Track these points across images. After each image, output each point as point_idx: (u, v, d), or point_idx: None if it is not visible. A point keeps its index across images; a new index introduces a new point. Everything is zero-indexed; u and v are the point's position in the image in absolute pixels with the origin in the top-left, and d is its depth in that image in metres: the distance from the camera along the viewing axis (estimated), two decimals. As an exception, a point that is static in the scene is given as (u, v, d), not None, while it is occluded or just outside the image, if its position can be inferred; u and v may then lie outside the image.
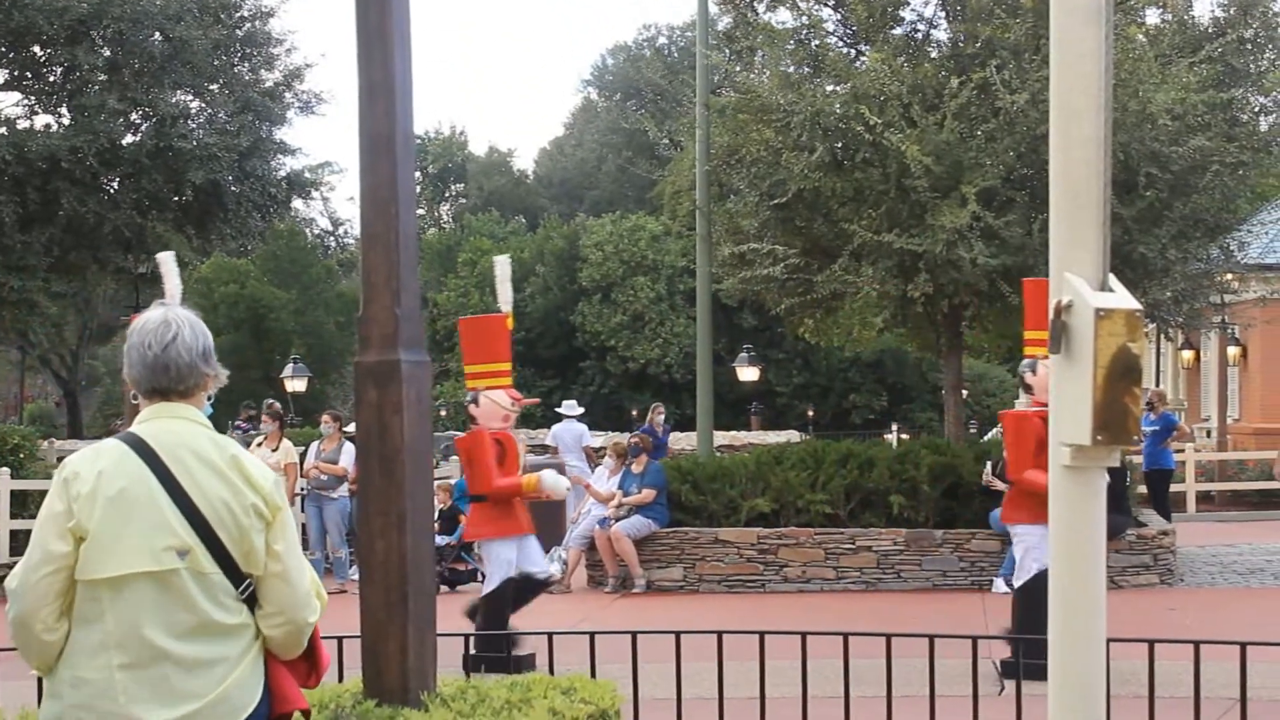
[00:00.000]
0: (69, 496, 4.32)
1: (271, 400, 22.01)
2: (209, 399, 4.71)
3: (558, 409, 25.95)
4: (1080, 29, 3.83)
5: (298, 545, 4.55)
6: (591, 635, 7.97)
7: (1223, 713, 8.88)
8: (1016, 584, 12.45)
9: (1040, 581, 12.20)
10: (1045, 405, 12.24)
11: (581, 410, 26.14)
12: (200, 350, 4.53)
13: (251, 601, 4.42)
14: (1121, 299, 3.78)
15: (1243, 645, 7.55)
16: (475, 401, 13.28)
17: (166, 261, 13.49)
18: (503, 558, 13.19)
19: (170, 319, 4.52)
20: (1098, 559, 3.95)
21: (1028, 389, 12.81)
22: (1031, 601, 12.22)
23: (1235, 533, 24.55)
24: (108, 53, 35.70)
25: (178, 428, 4.46)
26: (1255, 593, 17.76)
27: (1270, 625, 13.90)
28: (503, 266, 13.93)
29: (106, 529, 4.28)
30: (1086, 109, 3.82)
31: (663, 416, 26.08)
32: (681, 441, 31.03)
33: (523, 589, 13.33)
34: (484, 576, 19.19)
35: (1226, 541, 22.84)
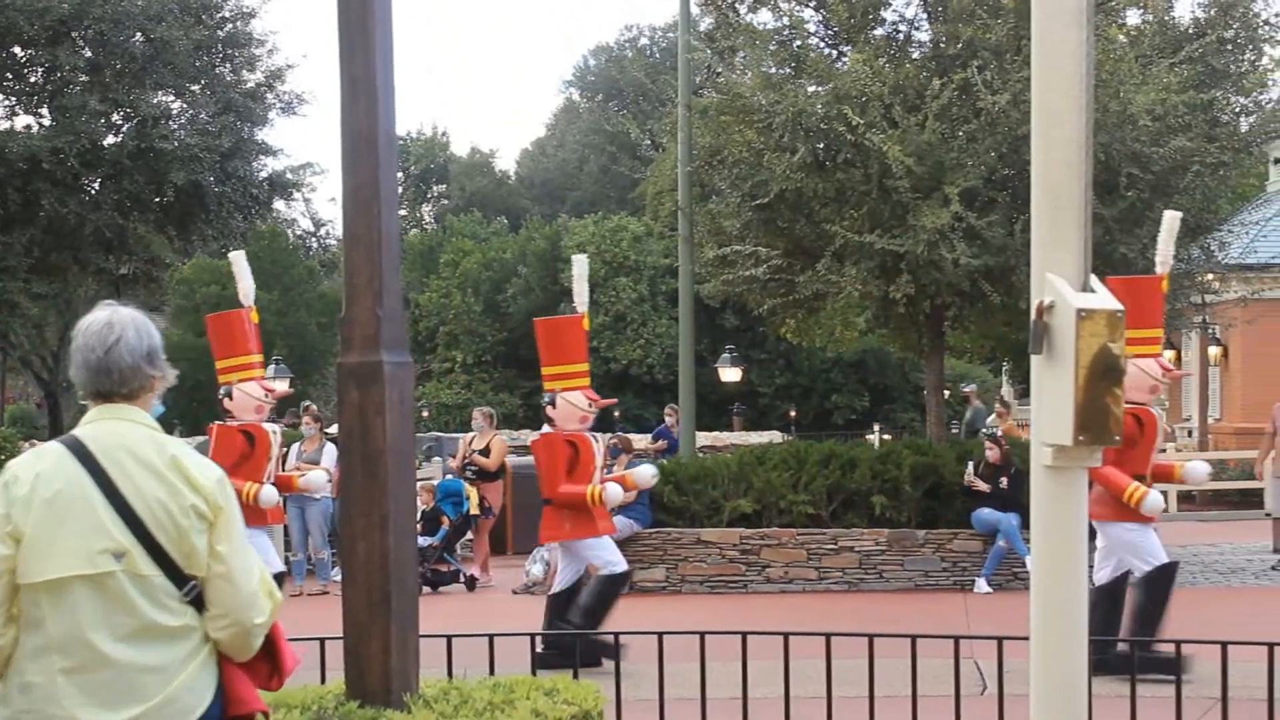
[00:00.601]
0: (8, 500, 4.31)
1: (309, 403, 21.91)
2: (158, 399, 4.67)
3: (538, 408, 25.94)
4: (1061, 31, 3.84)
5: (244, 546, 4.48)
6: (579, 635, 7.97)
7: (1204, 711, 8.91)
8: (1097, 582, 12.38)
9: (1123, 580, 12.28)
10: (1136, 403, 12.26)
11: None
12: (144, 352, 4.49)
13: (198, 603, 4.38)
14: (1103, 299, 3.80)
15: (1224, 645, 7.57)
16: (552, 403, 13.26)
17: (239, 261, 13.58)
18: (580, 558, 13.24)
19: (114, 320, 4.48)
20: (1079, 558, 3.96)
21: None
22: (1111, 600, 12.27)
23: (1217, 532, 24.62)
24: (89, 53, 35.60)
25: (119, 429, 4.41)
26: (1236, 592, 17.82)
27: (1252, 624, 13.94)
28: (580, 265, 13.82)
29: (42, 532, 4.27)
30: (1067, 110, 3.83)
31: (674, 418, 26.13)
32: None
33: (605, 588, 13.28)
34: (466, 577, 19.27)
35: (1208, 541, 22.91)
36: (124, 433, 4.41)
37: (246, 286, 13.35)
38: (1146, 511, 12.20)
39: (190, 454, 4.47)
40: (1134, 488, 12.08)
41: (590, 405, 13.34)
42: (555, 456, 13.13)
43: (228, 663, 4.51)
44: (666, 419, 26.04)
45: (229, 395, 13.29)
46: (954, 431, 33.02)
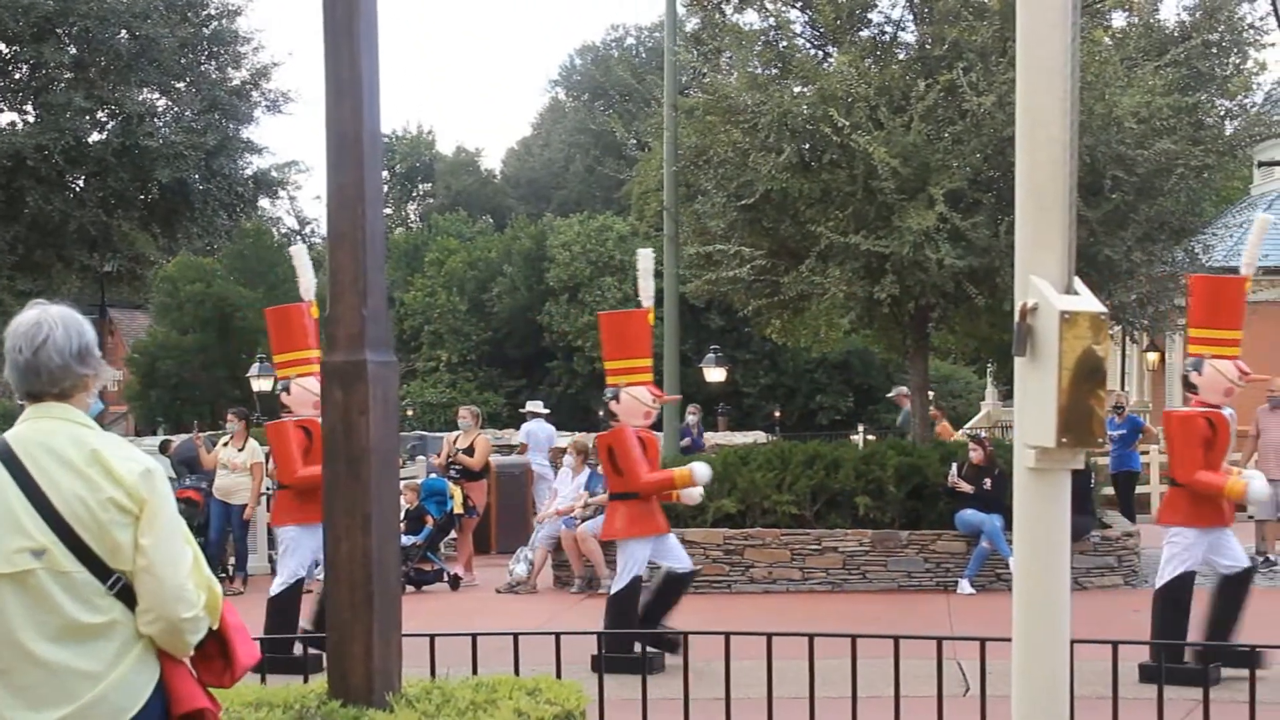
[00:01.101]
0: None
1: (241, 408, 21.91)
2: (94, 397, 4.63)
3: (521, 410, 25.96)
4: (1046, 33, 3.85)
5: (172, 539, 4.38)
6: (557, 636, 7.97)
7: (1185, 713, 8.93)
8: (1159, 584, 12.36)
9: (1183, 583, 12.23)
10: (1211, 405, 12.17)
11: (547, 410, 26.21)
12: (75, 351, 4.43)
13: (127, 599, 4.33)
14: (1086, 301, 3.80)
15: (1206, 647, 7.58)
16: (616, 398, 13.15)
17: (300, 255, 13.56)
18: (637, 557, 13.13)
19: (42, 320, 4.43)
20: (1062, 560, 3.97)
21: (1192, 389, 12.44)
22: (1171, 603, 12.23)
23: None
24: (74, 50, 35.56)
25: (44, 427, 4.38)
26: (1219, 594, 17.81)
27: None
28: (646, 260, 13.60)
29: None
30: (1052, 112, 3.84)
31: (696, 417, 26.19)
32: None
33: (669, 586, 13.29)
34: (450, 576, 19.26)
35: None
36: (49, 430, 4.36)
37: (307, 280, 13.26)
38: (1253, 498, 12.29)
39: (116, 447, 4.39)
40: (1233, 480, 12.08)
41: (654, 400, 13.28)
42: (631, 449, 13.05)
43: (169, 660, 4.45)
44: (689, 418, 26.04)
45: (287, 390, 13.30)
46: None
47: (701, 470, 13.35)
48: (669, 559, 13.31)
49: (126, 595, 4.32)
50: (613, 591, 13.30)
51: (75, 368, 4.43)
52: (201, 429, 33.14)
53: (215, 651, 4.61)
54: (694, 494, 13.72)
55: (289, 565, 13.40)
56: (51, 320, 4.42)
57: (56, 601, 4.23)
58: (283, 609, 13.23)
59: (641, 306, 13.44)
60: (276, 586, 13.45)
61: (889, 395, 31.00)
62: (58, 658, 4.22)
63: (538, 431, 24.73)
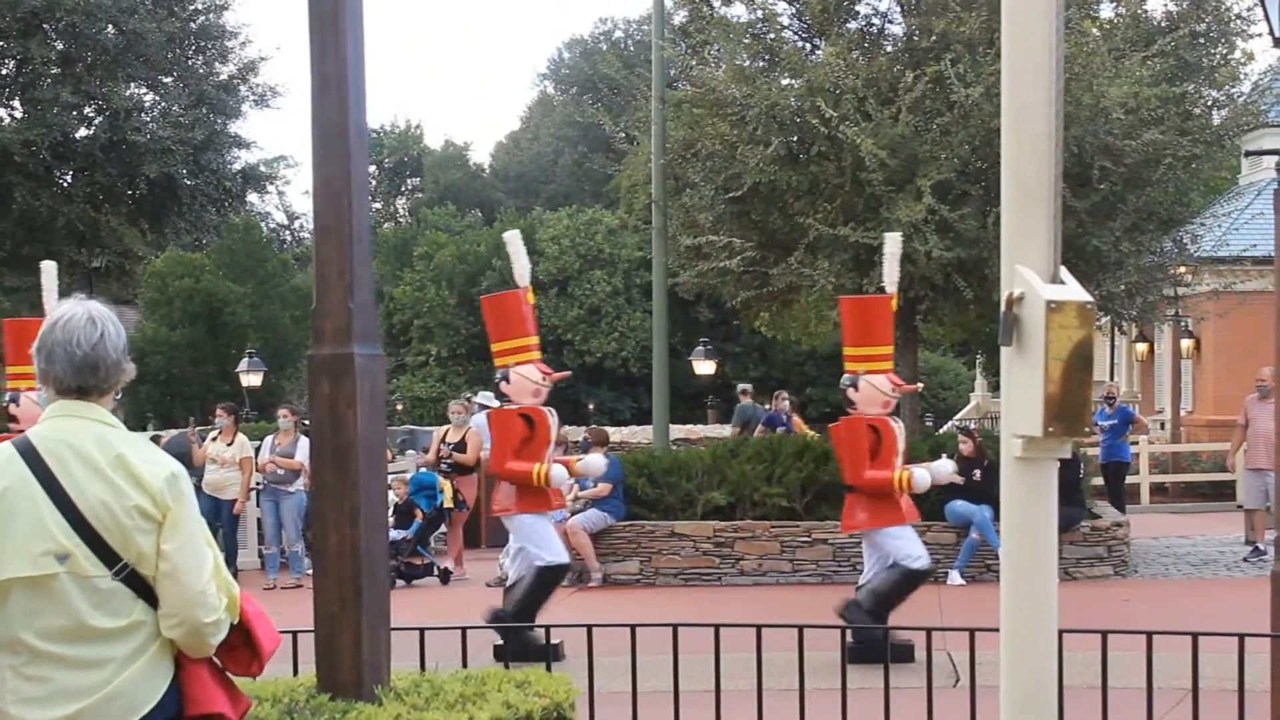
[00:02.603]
0: None
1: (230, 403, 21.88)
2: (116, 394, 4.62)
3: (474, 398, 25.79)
4: (1031, 23, 3.84)
5: (194, 544, 4.36)
6: (547, 629, 7.99)
7: (1175, 703, 8.93)
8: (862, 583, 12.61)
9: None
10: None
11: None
12: (123, 348, 4.46)
13: (150, 598, 4.31)
14: (1072, 291, 3.80)
15: (1194, 636, 7.59)
16: (855, 385, 12.93)
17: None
18: (887, 548, 12.86)
19: (95, 316, 4.41)
20: (1049, 550, 3.96)
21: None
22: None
23: (1189, 524, 24.73)
24: (60, 46, 35.54)
25: (70, 426, 4.35)
26: (1208, 584, 17.88)
27: (1222, 616, 13.97)
28: (893, 244, 13.30)
29: None
30: (1038, 102, 3.83)
31: (787, 404, 26.23)
32: (638, 435, 31.06)
33: (901, 582, 12.94)
34: (440, 570, 19.26)
35: (1180, 533, 23.01)
36: (73, 430, 4.33)
37: (522, 267, 13.04)
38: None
39: (140, 451, 4.37)
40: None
41: (894, 389, 13.01)
42: (860, 441, 12.81)
43: (188, 661, 4.44)
44: (782, 404, 26.08)
45: (506, 379, 13.08)
46: (928, 424, 33.10)
47: (920, 477, 13.02)
48: (904, 555, 12.92)
49: (148, 595, 4.30)
50: (858, 585, 13.08)
51: (125, 364, 4.47)
52: (194, 424, 33.05)
53: (239, 641, 4.60)
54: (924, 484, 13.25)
55: (532, 553, 13.14)
56: (103, 317, 4.42)
57: (75, 605, 4.21)
58: (527, 599, 13.05)
59: (885, 292, 13.22)
60: (514, 577, 13.30)
61: (739, 390, 30.44)
62: (71, 654, 4.21)
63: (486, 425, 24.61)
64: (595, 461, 14.52)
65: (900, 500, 12.96)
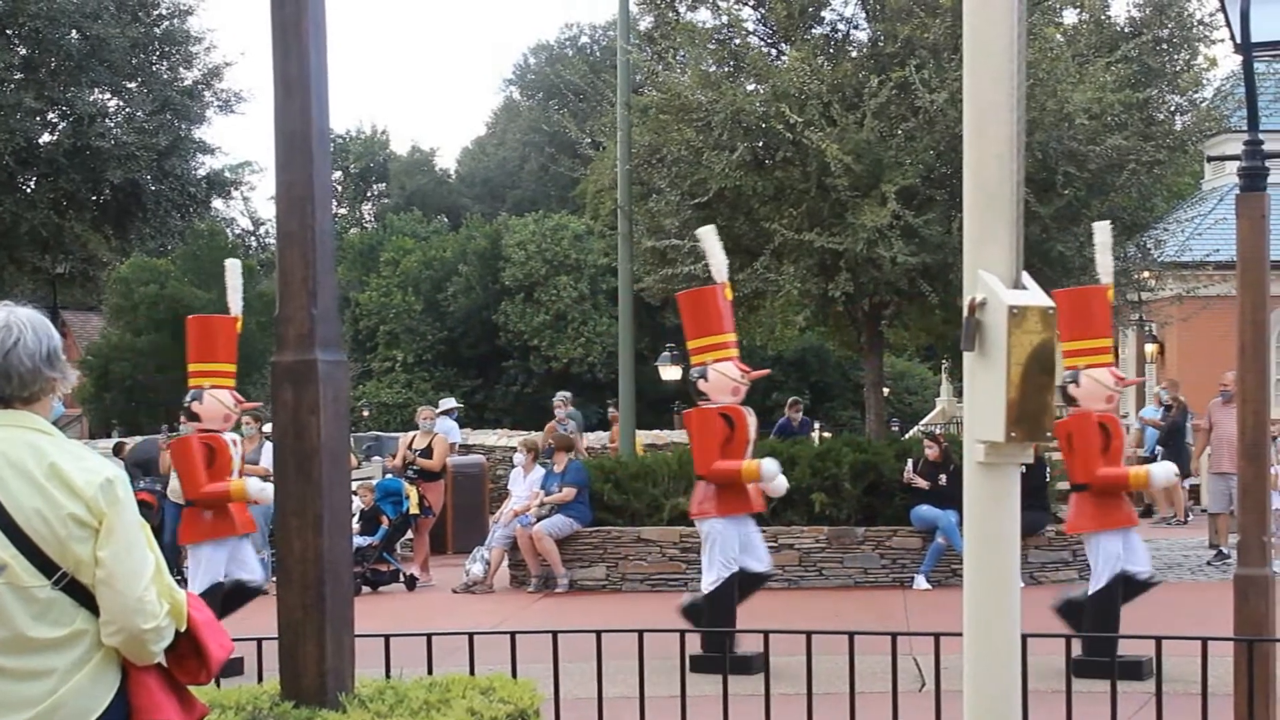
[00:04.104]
0: None
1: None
2: (58, 399, 4.54)
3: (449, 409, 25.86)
4: (993, 27, 3.85)
5: (131, 550, 4.28)
6: (513, 635, 7.96)
7: (1140, 706, 8.97)
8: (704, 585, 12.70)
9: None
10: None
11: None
12: (44, 354, 4.34)
13: (92, 606, 4.25)
14: (1034, 296, 3.81)
15: (1158, 639, 7.62)
16: (705, 376, 12.74)
17: (708, 236, 13.00)
18: (1111, 552, 12.45)
19: (11, 322, 4.32)
20: (1012, 554, 3.97)
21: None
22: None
23: (1153, 529, 24.79)
24: (23, 51, 35.41)
25: (3, 435, 4.27)
26: (1173, 587, 17.91)
27: (1187, 619, 14.01)
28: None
29: None
30: (999, 106, 3.84)
31: (800, 411, 26.28)
32: (604, 440, 31.06)
33: (1127, 587, 12.59)
34: (406, 577, 19.21)
35: (1145, 537, 23.02)
36: (5, 439, 4.26)
37: (719, 262, 12.77)
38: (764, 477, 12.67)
39: (74, 458, 4.30)
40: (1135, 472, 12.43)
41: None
42: (1090, 439, 12.29)
43: (135, 670, 4.39)
44: (795, 414, 26.13)
45: (704, 376, 12.76)
46: (894, 429, 33.15)
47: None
48: (1128, 561, 12.55)
49: (91, 603, 4.25)
50: (1091, 591, 12.54)
51: (45, 371, 4.34)
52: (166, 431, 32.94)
53: (188, 651, 4.53)
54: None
55: (718, 559, 12.78)
56: (20, 323, 4.32)
57: (13, 616, 4.15)
58: (719, 605, 12.66)
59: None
60: (710, 584, 12.83)
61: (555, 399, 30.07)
62: (11, 666, 4.16)
63: (452, 432, 24.65)
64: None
65: (1125, 505, 12.70)
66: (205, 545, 12.91)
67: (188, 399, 13.01)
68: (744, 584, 12.91)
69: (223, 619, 12.85)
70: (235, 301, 13.07)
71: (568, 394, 26.18)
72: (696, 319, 12.98)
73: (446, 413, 25.23)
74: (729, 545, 12.82)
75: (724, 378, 12.74)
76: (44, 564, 4.19)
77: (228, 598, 12.94)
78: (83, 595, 4.25)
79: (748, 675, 10.64)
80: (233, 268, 13.33)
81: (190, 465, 12.84)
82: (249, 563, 13.34)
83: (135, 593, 4.26)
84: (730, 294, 12.97)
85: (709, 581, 12.85)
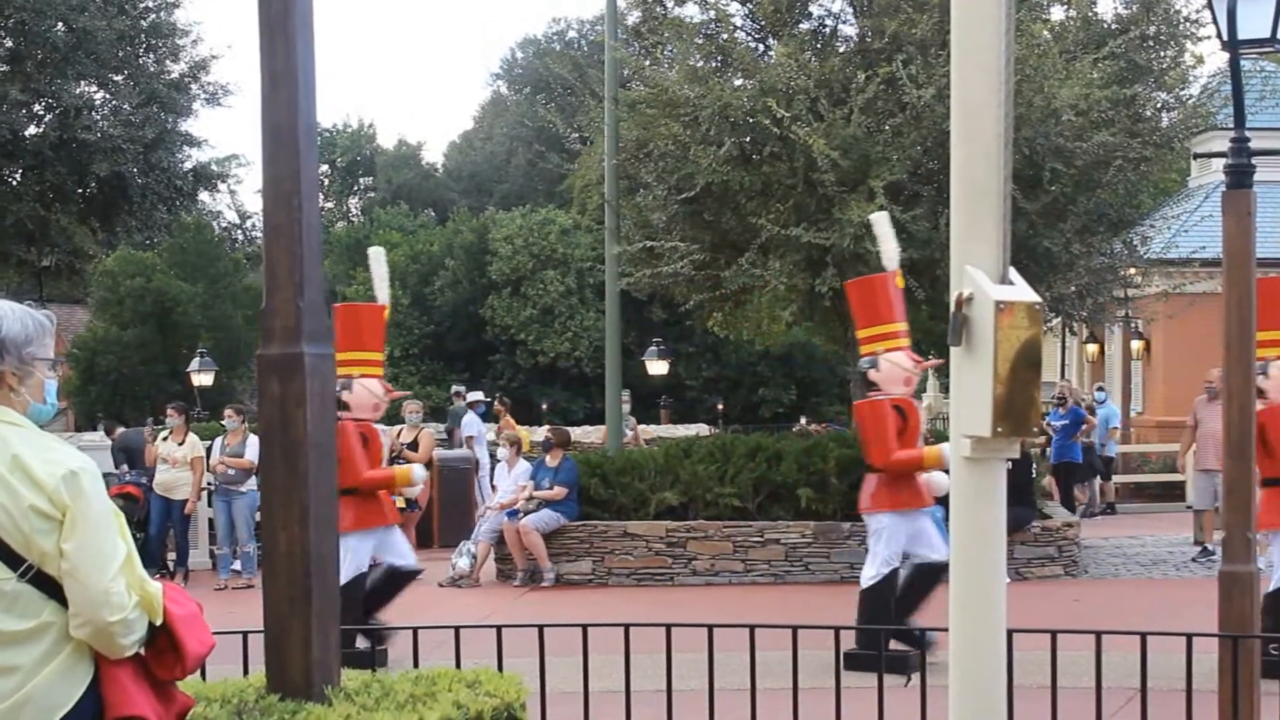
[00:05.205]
0: None
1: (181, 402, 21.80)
2: (45, 392, 4.46)
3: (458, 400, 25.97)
4: (980, 22, 3.85)
5: (97, 542, 4.26)
6: (499, 629, 7.96)
7: (1124, 702, 8.98)
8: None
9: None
10: None
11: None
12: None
13: (61, 598, 4.23)
14: (1021, 291, 3.81)
15: (1143, 635, 7.63)
16: (875, 366, 12.61)
17: (880, 223, 12.89)
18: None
19: None
20: (998, 550, 3.98)
21: (1260, 394, 11.63)
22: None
23: (1138, 525, 24.85)
24: (10, 43, 35.36)
25: None
26: (1157, 584, 17.98)
27: (1171, 616, 14.06)
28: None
29: None
30: (987, 103, 3.84)
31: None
32: (592, 435, 31.09)
33: (923, 575, 12.56)
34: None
35: (1130, 534, 23.12)
36: None
37: (890, 250, 12.65)
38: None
39: (38, 450, 4.26)
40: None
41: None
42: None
43: (107, 663, 4.36)
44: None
45: (874, 366, 12.60)
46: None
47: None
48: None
49: (60, 595, 4.23)
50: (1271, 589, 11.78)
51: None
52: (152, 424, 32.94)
53: (165, 645, 4.50)
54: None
55: (881, 554, 12.65)
56: None
57: None
58: (876, 601, 12.56)
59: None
60: (869, 579, 12.71)
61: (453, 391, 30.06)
62: None
63: (474, 425, 24.89)
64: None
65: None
66: (352, 535, 12.49)
67: (337, 388, 13.03)
68: (926, 576, 12.67)
69: (385, 606, 12.97)
70: (382, 290, 13.09)
71: (470, 390, 26.43)
72: (866, 308, 12.83)
73: (472, 405, 25.36)
74: (895, 541, 12.70)
75: (896, 368, 12.59)
76: (9, 556, 4.17)
77: (385, 584, 13.09)
78: (51, 587, 4.23)
79: (901, 674, 10.67)
80: (376, 256, 13.36)
81: (350, 452, 12.61)
82: (399, 547, 13.38)
83: (101, 584, 4.22)
84: (901, 282, 12.82)
85: (868, 576, 12.73)
